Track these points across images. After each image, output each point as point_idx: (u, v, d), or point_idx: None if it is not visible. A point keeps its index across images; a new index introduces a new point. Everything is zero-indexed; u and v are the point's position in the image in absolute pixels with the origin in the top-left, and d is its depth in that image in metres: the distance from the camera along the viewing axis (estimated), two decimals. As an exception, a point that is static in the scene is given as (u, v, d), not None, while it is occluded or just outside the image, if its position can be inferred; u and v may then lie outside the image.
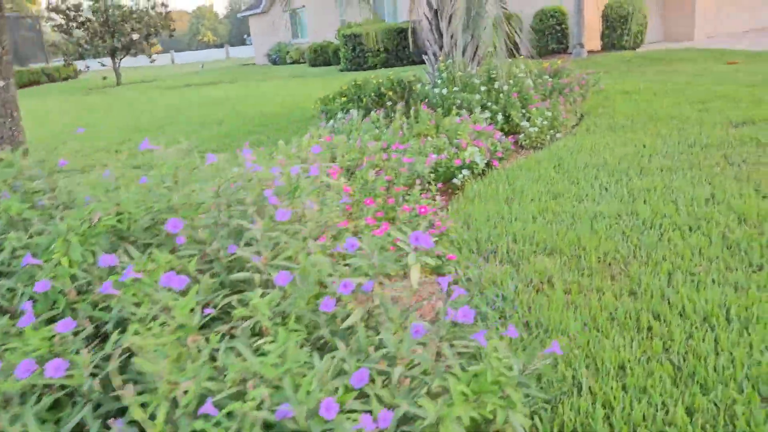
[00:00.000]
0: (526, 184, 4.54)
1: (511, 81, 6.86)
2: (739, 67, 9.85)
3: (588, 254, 3.21)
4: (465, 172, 4.73)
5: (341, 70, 17.91)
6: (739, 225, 3.41)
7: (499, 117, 6.29)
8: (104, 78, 23.56)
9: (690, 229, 3.42)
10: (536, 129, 5.90)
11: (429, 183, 4.63)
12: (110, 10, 22.11)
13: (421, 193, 4.11)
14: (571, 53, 13.45)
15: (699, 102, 7.14)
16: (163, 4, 23.37)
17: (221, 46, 60.19)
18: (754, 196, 3.79)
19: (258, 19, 31.32)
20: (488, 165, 5.12)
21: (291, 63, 26.81)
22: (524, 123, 6.00)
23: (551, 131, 6.11)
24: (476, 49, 7.81)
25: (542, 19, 13.76)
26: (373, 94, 7.54)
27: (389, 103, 7.36)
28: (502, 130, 6.35)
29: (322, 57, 22.34)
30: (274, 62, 28.23)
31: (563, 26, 13.55)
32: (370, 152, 4.77)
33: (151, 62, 25.95)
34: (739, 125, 5.81)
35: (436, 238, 3.43)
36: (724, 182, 4.15)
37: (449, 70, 7.11)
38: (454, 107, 6.48)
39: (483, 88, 6.67)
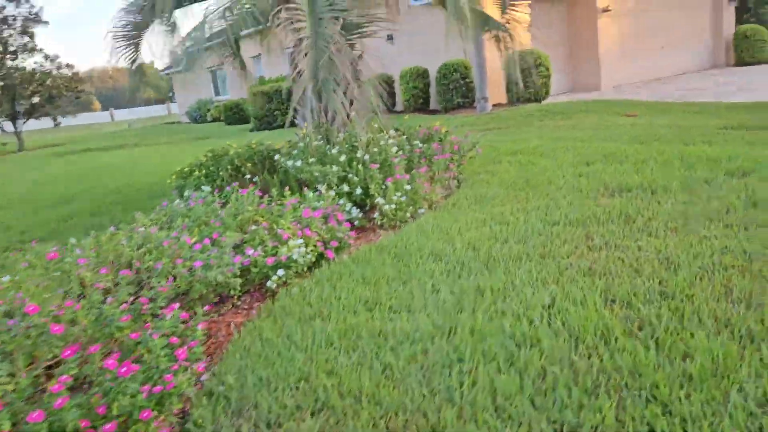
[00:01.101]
0: (348, 287, 3.73)
1: (376, 149, 6.17)
2: (636, 120, 9.56)
3: (360, 414, 2.39)
4: (281, 272, 3.90)
5: (251, 130, 17.14)
6: (571, 352, 2.67)
7: (358, 191, 5.56)
8: (3, 144, 22.05)
9: (509, 362, 2.66)
10: (392, 206, 5.17)
11: (234, 293, 3.79)
12: (10, 72, 20.87)
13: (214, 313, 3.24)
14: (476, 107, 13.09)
15: (583, 163, 6.62)
16: (68, 65, 22.29)
17: (164, 101, 59.04)
18: (598, 304, 3.08)
19: (180, 77, 30.55)
20: (323, 257, 4.33)
21: (212, 121, 25.95)
22: (379, 200, 5.27)
23: (411, 207, 5.40)
24: (349, 112, 7.14)
25: (446, 73, 13.40)
26: (229, 166, 6.72)
27: (248, 177, 6.55)
28: (361, 206, 5.61)
29: (237, 115, 21.60)
30: (195, 120, 27.31)
31: (467, 80, 13.22)
32: (167, 252, 3.89)
33: (55, 125, 24.59)
34: (614, 193, 5.24)
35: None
36: (573, 278, 3.45)
37: (307, 138, 6.38)
38: (315, 182, 5.73)
39: (344, 158, 5.94)
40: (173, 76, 31.54)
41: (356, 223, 5.33)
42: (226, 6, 6.73)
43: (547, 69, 13.02)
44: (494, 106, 13.54)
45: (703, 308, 2.90)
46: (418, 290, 3.57)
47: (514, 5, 7.69)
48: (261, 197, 5.06)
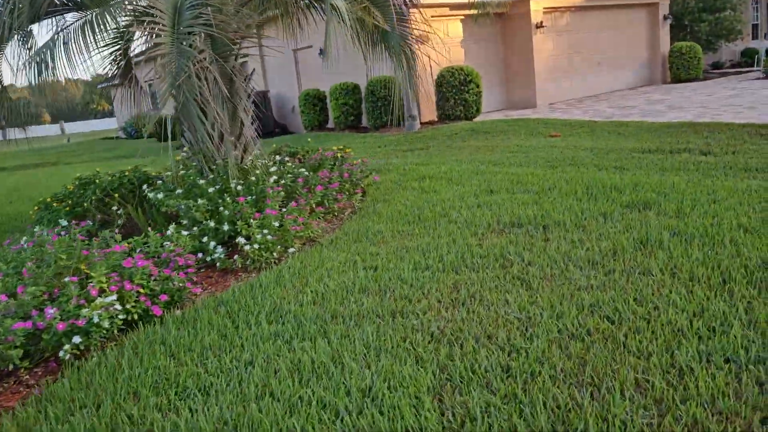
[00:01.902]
0: (148, 360, 3.08)
1: (253, 177, 5.55)
2: (558, 142, 9.18)
3: None
4: (77, 339, 3.22)
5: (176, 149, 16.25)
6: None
7: (226, 227, 4.93)
8: None
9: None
10: (256, 246, 4.54)
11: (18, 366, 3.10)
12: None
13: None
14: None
15: (487, 191, 6.14)
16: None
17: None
18: (423, 390, 2.51)
19: (119, 90, 29.38)
20: (148, 315, 3.66)
21: (149, 137, 24.86)
22: (241, 239, 4.63)
23: (280, 247, 4.79)
24: (239, 135, 6.49)
25: (373, 90, 12.90)
26: (94, 197, 6.00)
27: (115, 209, 5.86)
28: (227, 245, 4.98)
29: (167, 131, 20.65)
30: (131, 136, 26.19)
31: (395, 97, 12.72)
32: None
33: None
34: (504, 229, 4.73)
35: None
36: (412, 348, 2.88)
37: (180, 166, 5.73)
38: (183, 216, 5.09)
39: (213, 189, 5.30)
40: (111, 89, 30.34)
41: (218, 264, 4.69)
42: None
43: (478, 86, 12.64)
44: (424, 124, 13.09)
45: (540, 396, 2.35)
46: (229, 365, 2.94)
47: (409, 22, 7.13)
48: (89, 239, 4.37)
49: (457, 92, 12.55)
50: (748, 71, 19.13)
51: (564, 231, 4.50)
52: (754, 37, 25.73)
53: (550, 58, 15.52)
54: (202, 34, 5.44)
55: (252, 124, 6.32)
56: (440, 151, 9.59)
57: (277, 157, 6.76)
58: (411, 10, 13.13)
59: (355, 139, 12.45)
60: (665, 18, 17.93)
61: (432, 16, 13.24)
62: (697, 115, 10.52)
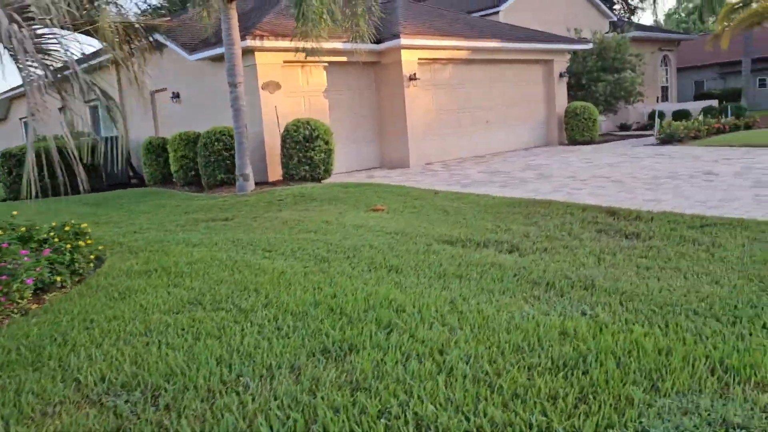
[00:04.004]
0: None
1: None
2: (375, 217, 7.50)
3: None
4: None
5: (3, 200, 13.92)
6: None
7: None
8: None
9: None
10: None
11: None
12: None
13: None
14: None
15: (194, 302, 4.36)
16: None
17: None
18: None
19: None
20: None
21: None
22: None
23: None
24: None
25: (207, 142, 11.06)
26: None
27: None
28: None
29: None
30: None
31: (232, 152, 10.91)
32: None
33: None
34: (113, 394, 2.86)
35: None
36: None
37: None
38: None
39: None
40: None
41: None
42: None
43: (327, 143, 10.98)
44: (267, 184, 11.29)
45: None
46: None
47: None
48: None
49: (301, 149, 10.84)
50: (648, 135, 18.30)
51: (196, 397, 2.66)
52: (664, 99, 25.43)
53: (428, 114, 14.13)
54: None
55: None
56: (239, 224, 7.77)
57: None
58: (256, 53, 11.57)
59: (169, 199, 10.53)
60: (561, 76, 16.95)
61: (285, 62, 11.68)
62: (556, 188, 9.10)
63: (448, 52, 14.11)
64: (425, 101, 13.99)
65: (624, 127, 21.80)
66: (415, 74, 13.17)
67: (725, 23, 20.18)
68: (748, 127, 17.43)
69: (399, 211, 7.85)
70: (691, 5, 61.49)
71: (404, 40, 12.69)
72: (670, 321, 3.55)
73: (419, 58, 13.47)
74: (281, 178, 11.47)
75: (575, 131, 16.37)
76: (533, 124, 16.90)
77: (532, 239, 5.79)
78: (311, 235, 6.66)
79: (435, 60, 14.15)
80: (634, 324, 3.54)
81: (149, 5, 41.48)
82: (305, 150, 10.83)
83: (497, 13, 19.00)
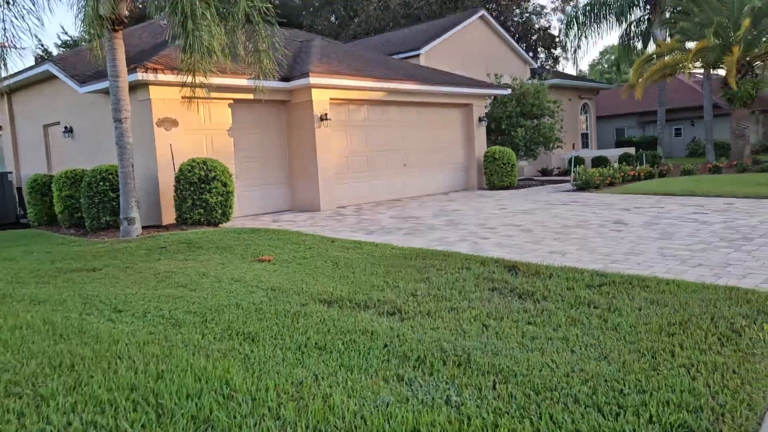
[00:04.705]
0: None
1: None
2: (259, 272, 6.73)
3: None
4: None
5: None
6: None
7: None
8: None
9: None
10: None
11: None
12: None
13: None
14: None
15: (13, 382, 3.43)
16: None
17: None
18: None
19: None
20: None
21: None
22: None
23: None
24: None
25: (92, 182, 10.03)
26: None
27: None
28: None
29: None
30: None
31: (119, 193, 9.92)
32: None
33: None
34: None
35: None
36: None
37: None
38: None
39: None
40: None
41: None
42: None
43: (225, 185, 10.17)
44: (159, 228, 10.34)
45: None
46: None
47: None
48: None
49: (196, 191, 9.99)
50: (568, 180, 18.42)
51: None
52: (585, 145, 26.02)
53: (342, 156, 13.59)
54: None
55: None
56: (105, 276, 6.82)
57: None
58: (150, 88, 10.73)
59: (44, 244, 9.39)
60: (481, 120, 16.87)
61: (185, 97, 10.88)
62: (463, 237, 8.63)
63: (364, 93, 13.70)
64: (338, 142, 13.45)
65: (545, 172, 22.01)
66: (326, 114, 12.63)
67: (639, 74, 20.85)
68: (661, 174, 17.80)
69: (287, 261, 7.11)
70: (613, 57, 64.75)
71: (314, 79, 12.17)
72: (544, 412, 2.95)
73: (331, 98, 12.97)
74: (174, 221, 10.53)
75: (494, 176, 16.21)
76: (452, 168, 16.65)
77: (418, 299, 5.17)
78: (178, 291, 5.82)
79: (350, 100, 13.70)
80: (502, 416, 2.92)
81: (70, 37, 39.81)
82: (200, 192, 9.98)
83: (418, 56, 18.92)
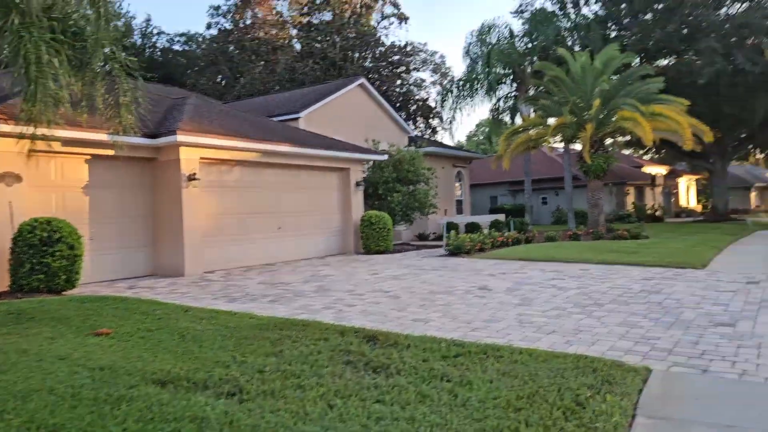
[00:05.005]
0: None
1: None
2: (92, 348, 5.99)
3: None
4: None
5: None
6: None
7: None
8: None
9: None
10: None
11: None
12: None
13: None
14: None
15: None
16: None
17: None
18: None
19: None
20: None
21: None
22: None
23: None
24: None
25: None
26: None
27: None
28: None
29: None
30: None
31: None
32: None
33: None
34: None
35: None
36: None
37: None
38: None
39: None
40: None
41: None
42: None
43: (72, 248, 9.25)
44: (-12, 295, 9.12)
45: None
46: None
47: None
48: None
49: (36, 254, 8.98)
50: (441, 245, 18.84)
51: None
52: (460, 211, 27.01)
53: (212, 218, 12.98)
54: None
55: None
56: None
57: None
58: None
59: None
60: (358, 185, 16.98)
61: (33, 151, 9.87)
62: (329, 304, 8.34)
63: (237, 153, 13.32)
64: (209, 204, 12.87)
65: (422, 236, 22.47)
66: (194, 174, 12.08)
67: (507, 145, 22.17)
68: (528, 241, 18.70)
69: (128, 335, 6.40)
70: (487, 129, 69.25)
71: (182, 137, 11.65)
72: None
73: (202, 157, 12.46)
74: (8, 288, 9.35)
75: (371, 240, 16.22)
76: (329, 232, 16.49)
77: (265, 376, 4.75)
78: (-14, 373, 4.98)
79: (223, 160, 13.25)
80: None
81: None
82: (41, 255, 8.98)
83: (298, 119, 18.93)
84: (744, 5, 28.68)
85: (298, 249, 15.32)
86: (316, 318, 7.21)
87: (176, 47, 53.37)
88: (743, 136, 35.02)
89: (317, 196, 16.11)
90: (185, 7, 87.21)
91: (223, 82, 45.63)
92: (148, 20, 52.40)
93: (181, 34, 53.00)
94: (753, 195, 54.97)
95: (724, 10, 28.95)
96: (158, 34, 52.72)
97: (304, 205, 15.61)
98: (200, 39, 52.26)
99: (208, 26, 49.52)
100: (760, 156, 59.52)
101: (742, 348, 5.58)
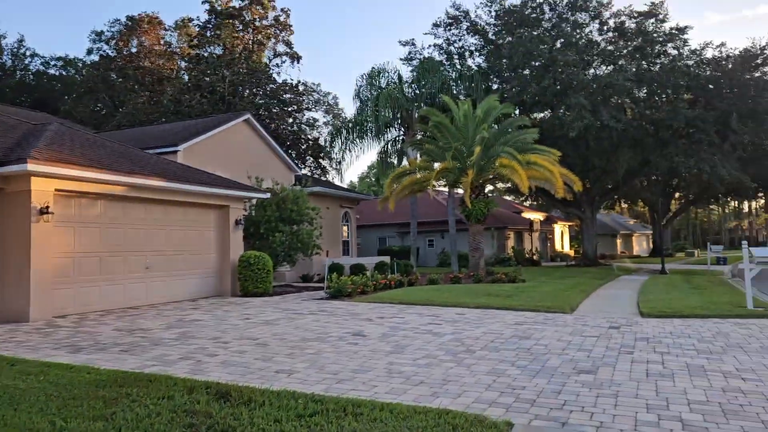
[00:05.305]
0: None
1: None
2: None
3: None
4: None
5: None
6: None
7: None
8: None
9: None
10: None
11: None
12: None
13: None
14: None
15: None
16: None
17: None
18: None
19: None
20: None
21: None
22: None
23: None
24: None
25: None
26: None
27: None
28: None
29: None
30: None
31: None
32: None
33: None
34: None
35: None
36: None
37: None
38: None
39: None
40: None
41: None
42: None
43: None
44: None
45: None
46: None
47: None
48: None
49: None
50: (323, 287, 18.41)
51: None
52: (346, 252, 26.77)
53: (67, 256, 11.77)
54: None
55: None
56: None
57: None
58: None
59: None
60: (237, 223, 16.25)
61: None
62: (187, 354, 7.63)
63: (101, 186, 12.25)
64: (64, 241, 11.66)
65: (306, 278, 21.91)
66: (48, 207, 10.91)
67: (393, 188, 22.37)
68: (410, 283, 18.71)
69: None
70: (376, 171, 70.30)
71: (34, 166, 10.52)
72: None
73: (58, 189, 11.32)
74: None
75: (249, 282, 15.48)
76: (204, 272, 15.55)
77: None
78: None
79: (83, 193, 12.13)
80: None
81: None
82: None
83: (176, 152, 17.97)
84: (609, 68, 31.45)
85: (169, 291, 14.27)
86: (168, 371, 6.53)
87: (52, 71, 50.03)
88: (610, 186, 37.95)
89: (192, 234, 15.20)
90: (64, 29, 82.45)
91: (103, 111, 43.08)
92: (21, 40, 48.87)
93: (59, 58, 49.88)
94: (618, 241, 59.49)
95: (591, 71, 31.55)
96: (32, 56, 49.24)
97: (177, 243, 14.65)
98: (80, 64, 49.34)
99: (89, 51, 46.96)
100: (624, 206, 64.97)
101: (601, 397, 5.61)
